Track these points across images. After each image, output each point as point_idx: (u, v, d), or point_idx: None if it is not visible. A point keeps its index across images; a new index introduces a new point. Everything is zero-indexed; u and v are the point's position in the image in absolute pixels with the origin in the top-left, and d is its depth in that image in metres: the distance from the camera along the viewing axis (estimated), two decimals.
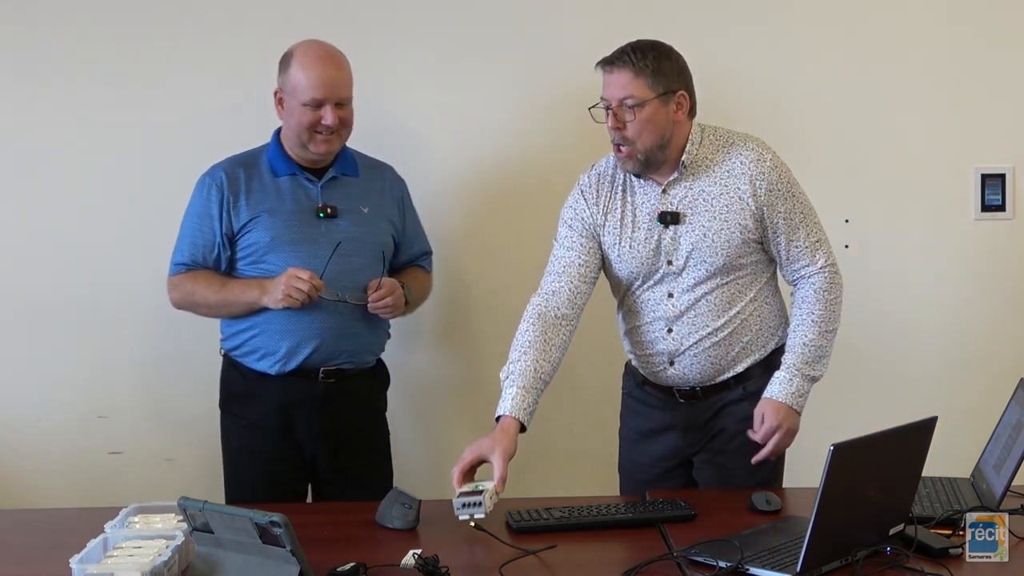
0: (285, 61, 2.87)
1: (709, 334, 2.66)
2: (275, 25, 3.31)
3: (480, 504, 2.32)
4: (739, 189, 2.59)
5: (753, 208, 2.59)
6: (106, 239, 3.39)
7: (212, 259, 2.90)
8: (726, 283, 2.64)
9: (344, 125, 2.86)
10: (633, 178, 2.67)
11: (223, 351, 2.99)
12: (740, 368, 2.70)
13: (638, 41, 2.58)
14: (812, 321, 2.64)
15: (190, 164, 3.29)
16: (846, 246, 3.44)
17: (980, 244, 3.48)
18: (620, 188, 2.68)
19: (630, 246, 2.66)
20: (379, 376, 3.07)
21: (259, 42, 3.31)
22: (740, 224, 2.59)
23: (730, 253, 2.60)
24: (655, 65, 2.53)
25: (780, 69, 3.42)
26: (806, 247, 2.65)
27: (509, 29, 3.41)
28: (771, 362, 2.70)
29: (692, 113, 2.64)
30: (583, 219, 2.69)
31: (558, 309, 2.62)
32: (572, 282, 2.65)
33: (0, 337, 3.41)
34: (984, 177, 3.46)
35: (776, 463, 2.74)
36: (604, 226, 2.69)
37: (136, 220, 3.38)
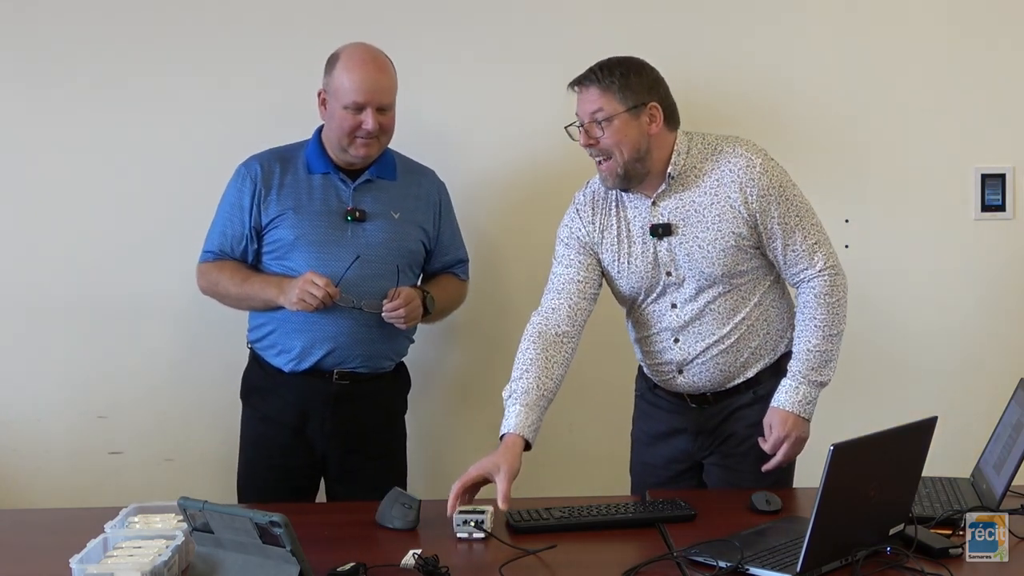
0: (331, 63, 2.86)
1: (716, 342, 2.66)
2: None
3: (482, 524, 2.33)
4: (730, 198, 2.58)
5: (746, 215, 2.58)
6: (106, 240, 3.38)
7: (240, 250, 2.92)
8: (728, 291, 2.64)
9: (384, 131, 2.86)
10: (623, 193, 2.67)
11: (249, 344, 3.02)
12: (750, 373, 2.70)
13: (607, 59, 2.60)
14: (815, 326, 2.63)
15: (192, 166, 3.32)
16: (846, 246, 3.44)
17: (980, 244, 3.48)
18: (613, 204, 2.68)
19: (628, 261, 2.67)
20: (398, 380, 3.07)
21: (273, 42, 3.34)
22: (734, 232, 2.59)
23: (727, 262, 2.60)
24: (622, 81, 2.54)
25: (780, 69, 3.42)
26: (804, 250, 2.62)
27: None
28: (781, 365, 2.70)
29: (674, 123, 2.63)
30: (579, 237, 2.70)
31: (558, 327, 2.63)
32: (571, 299, 2.65)
33: (1, 337, 3.42)
34: (984, 177, 3.45)
35: (786, 468, 2.73)
36: (602, 243, 2.69)
37: (137, 221, 3.38)
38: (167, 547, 2.12)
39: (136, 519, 2.30)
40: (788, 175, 2.67)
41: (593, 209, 2.70)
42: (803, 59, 3.42)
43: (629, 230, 2.66)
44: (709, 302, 2.64)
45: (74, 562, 2.06)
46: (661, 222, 2.61)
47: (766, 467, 2.63)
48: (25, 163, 3.39)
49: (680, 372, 2.70)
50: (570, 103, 3.29)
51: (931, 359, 3.50)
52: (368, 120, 2.80)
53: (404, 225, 2.94)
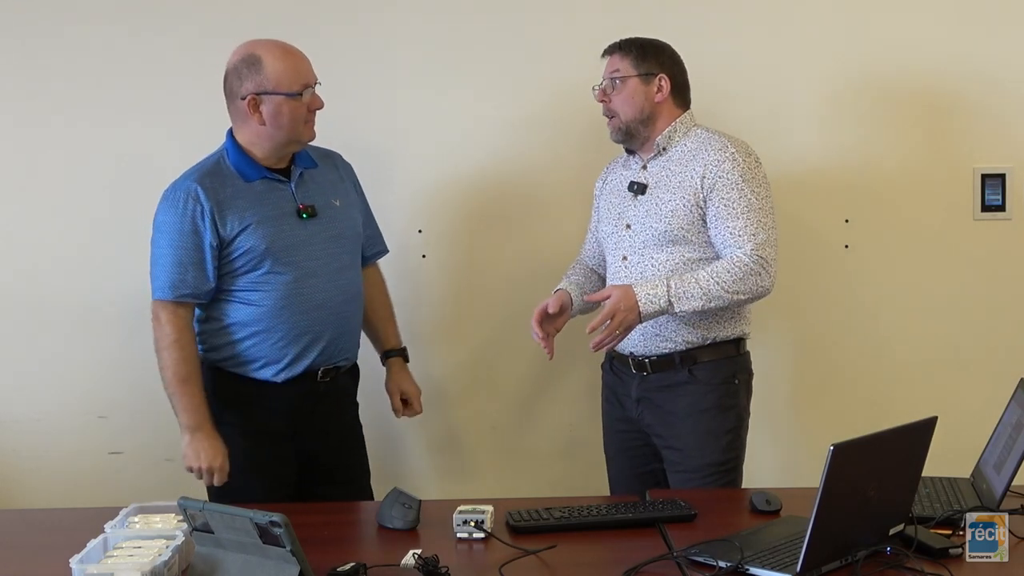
0: (251, 64, 2.75)
1: None
2: (264, 25, 3.30)
3: (482, 524, 2.33)
4: (694, 170, 2.81)
5: (699, 187, 2.78)
6: (107, 240, 3.39)
7: (202, 279, 2.76)
8: (673, 253, 2.81)
9: None
10: (631, 157, 2.95)
11: (214, 363, 2.86)
12: (681, 340, 2.82)
13: (636, 37, 2.92)
14: (712, 272, 2.71)
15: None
16: (846, 246, 3.45)
17: (980, 244, 3.47)
18: (620, 164, 3.01)
19: (608, 211, 2.96)
20: (355, 372, 3.05)
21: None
22: (684, 199, 2.79)
23: (673, 222, 2.79)
24: (639, 51, 2.87)
25: (780, 68, 3.42)
26: (739, 234, 2.74)
27: (503, 33, 3.42)
28: (717, 349, 2.84)
29: (682, 101, 2.90)
30: (597, 191, 3.07)
31: (590, 261, 3.09)
32: (596, 243, 3.06)
33: (1, 337, 3.42)
34: (984, 177, 3.45)
35: (732, 468, 2.86)
36: (601, 195, 3.04)
37: (137, 221, 3.35)
38: (167, 547, 2.13)
39: (136, 519, 2.30)
40: (761, 176, 2.79)
41: (609, 168, 3.06)
42: (802, 58, 3.42)
43: (619, 185, 2.95)
44: (655, 257, 2.82)
45: (74, 562, 2.07)
46: (640, 181, 2.88)
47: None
48: (26, 164, 3.40)
49: None
50: (553, 110, 3.36)
51: (931, 359, 3.50)
52: (316, 98, 2.79)
53: (348, 210, 2.93)
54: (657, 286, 2.69)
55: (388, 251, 3.14)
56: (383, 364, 3.10)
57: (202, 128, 3.34)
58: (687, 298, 2.69)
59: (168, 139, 3.36)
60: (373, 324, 3.08)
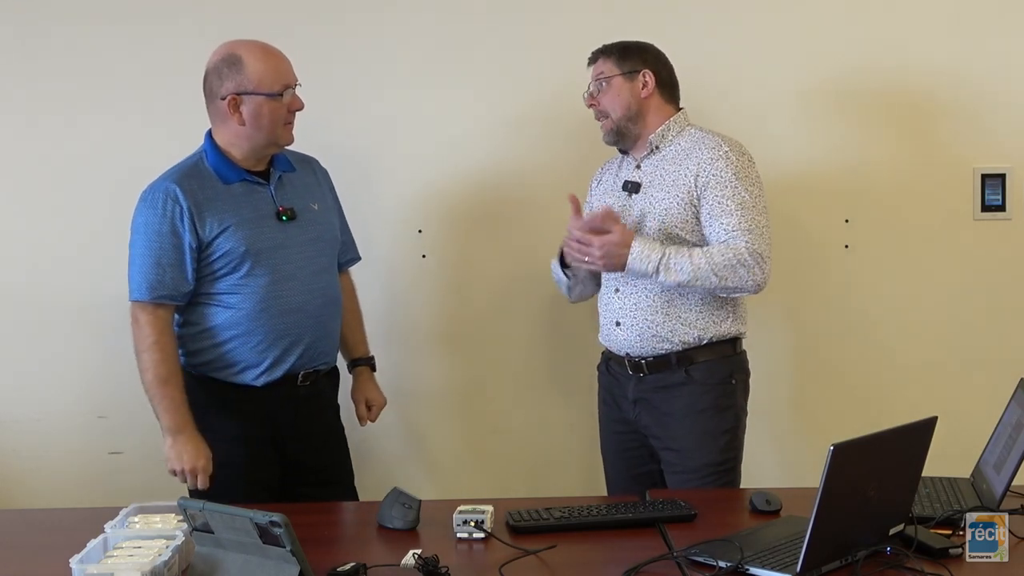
0: (233, 63, 2.74)
1: (648, 297, 2.83)
2: (264, 26, 3.31)
3: (482, 524, 2.34)
4: (688, 168, 2.82)
5: (692, 186, 2.80)
6: (106, 240, 3.38)
7: (180, 280, 2.75)
8: None
9: None
10: (626, 157, 2.97)
11: (189, 367, 2.83)
12: (678, 340, 2.82)
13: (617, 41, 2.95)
14: (706, 251, 2.73)
15: None
16: (846, 246, 3.45)
17: (980, 244, 3.47)
18: (616, 164, 3.02)
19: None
20: (335, 375, 3.04)
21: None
22: (678, 197, 2.81)
23: (667, 220, 2.80)
24: (620, 52, 2.91)
25: (779, 68, 3.42)
26: (731, 229, 2.75)
27: (502, 33, 3.42)
28: (713, 350, 2.84)
29: (670, 97, 2.91)
30: (591, 188, 3.08)
31: None
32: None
33: (1, 337, 3.42)
34: (984, 177, 3.45)
35: (731, 467, 2.87)
36: (595, 193, 3.05)
37: None
38: (167, 547, 2.13)
39: (136, 519, 2.30)
40: (755, 175, 2.80)
41: (604, 168, 3.07)
42: (801, 59, 3.42)
43: (614, 184, 2.97)
44: None
45: (74, 562, 2.07)
46: (634, 180, 2.90)
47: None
48: (26, 164, 3.41)
49: (617, 324, 2.88)
50: (553, 109, 3.38)
51: (931, 359, 3.50)
52: (296, 99, 2.78)
53: (325, 214, 2.93)
54: (655, 249, 2.71)
55: (360, 259, 3.12)
56: (350, 372, 3.09)
57: (202, 128, 3.34)
58: (675, 270, 2.70)
59: (168, 139, 3.34)
60: (342, 332, 3.03)
